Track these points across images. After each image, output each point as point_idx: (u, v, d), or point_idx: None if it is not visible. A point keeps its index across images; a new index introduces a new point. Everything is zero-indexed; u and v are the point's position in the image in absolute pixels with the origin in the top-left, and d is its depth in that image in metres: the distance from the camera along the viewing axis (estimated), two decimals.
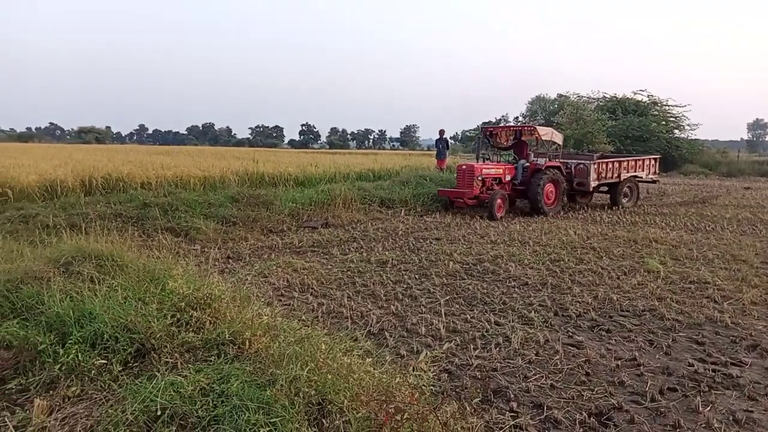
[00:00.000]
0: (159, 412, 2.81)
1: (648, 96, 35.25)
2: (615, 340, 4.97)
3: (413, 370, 3.63)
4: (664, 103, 34.70)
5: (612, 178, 14.91)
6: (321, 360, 3.30)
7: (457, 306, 5.91)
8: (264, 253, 8.49)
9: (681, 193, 20.09)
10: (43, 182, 10.14)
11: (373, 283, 6.76)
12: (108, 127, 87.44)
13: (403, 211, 13.01)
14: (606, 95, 37.15)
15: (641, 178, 15.91)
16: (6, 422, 2.98)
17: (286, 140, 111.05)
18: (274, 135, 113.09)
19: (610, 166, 14.87)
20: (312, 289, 6.52)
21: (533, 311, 5.70)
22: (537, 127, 14.34)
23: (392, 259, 8.08)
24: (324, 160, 20.27)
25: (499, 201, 12.85)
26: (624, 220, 12.57)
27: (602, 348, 4.75)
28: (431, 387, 3.66)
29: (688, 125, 34.25)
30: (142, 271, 4.73)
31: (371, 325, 5.21)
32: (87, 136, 70.92)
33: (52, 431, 2.89)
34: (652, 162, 16.28)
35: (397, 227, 11.08)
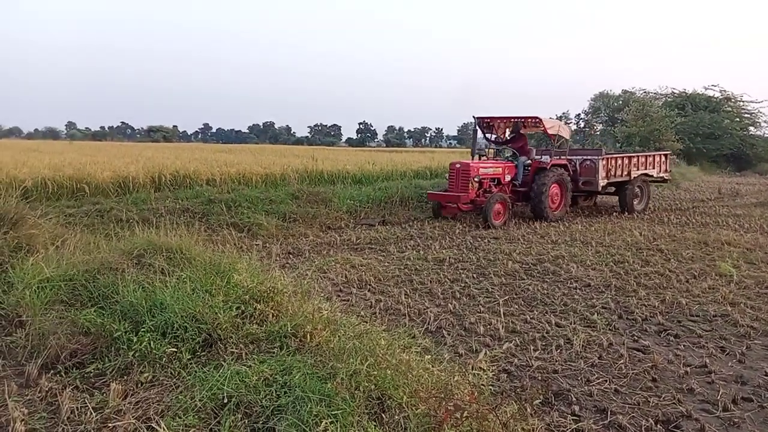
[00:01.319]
0: (225, 400, 2.91)
1: (720, 91, 33.59)
2: (684, 345, 4.77)
3: (472, 369, 3.61)
4: (739, 99, 32.94)
5: (621, 176, 13.46)
6: (380, 355, 3.34)
7: (517, 306, 5.83)
8: (323, 249, 8.63)
9: (756, 193, 19.01)
10: (116, 178, 10.68)
11: (431, 281, 6.75)
12: (175, 126, 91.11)
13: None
14: (675, 91, 35.66)
15: (652, 176, 14.50)
16: (86, 403, 3.17)
17: (344, 138, 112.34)
18: (332, 133, 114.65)
19: (619, 162, 13.48)
20: (370, 285, 6.57)
21: (596, 313, 5.54)
22: (543, 119, 12.38)
23: (449, 258, 8.04)
24: (381, 158, 20.36)
25: (498, 206, 11.05)
26: (693, 221, 12.01)
27: (670, 353, 4.57)
28: (490, 386, 3.63)
29: (765, 122, 32.37)
30: (209, 264, 4.90)
31: (429, 323, 5.21)
32: (155, 134, 74.11)
33: (127, 414, 3.04)
34: (663, 159, 14.98)
35: (455, 225, 11.01)
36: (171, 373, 3.42)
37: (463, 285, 6.63)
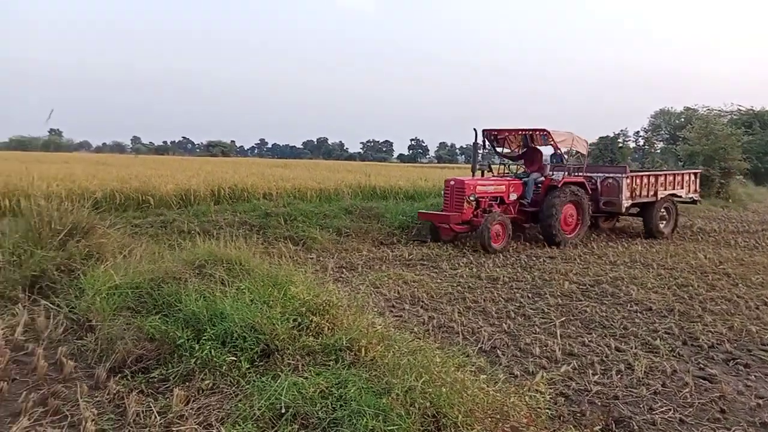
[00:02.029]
0: (283, 410, 2.97)
1: None
2: (755, 376, 4.52)
3: (529, 391, 3.55)
4: None
5: (647, 196, 12.24)
6: (435, 373, 3.32)
7: (574, 328, 5.68)
8: (375, 264, 8.67)
9: None
10: (178, 191, 11.12)
11: (484, 300, 6.67)
12: (232, 141, 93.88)
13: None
14: (741, 108, 34.16)
15: (680, 197, 13.26)
16: (151, 407, 3.30)
17: (395, 154, 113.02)
18: (384, 149, 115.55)
19: (645, 181, 12.27)
20: (422, 302, 6.56)
21: (658, 339, 5.33)
22: (551, 132, 11.01)
23: (503, 276, 7.93)
24: (433, 174, 20.37)
25: (496, 227, 9.91)
26: (763, 244, 11.41)
27: (740, 384, 4.34)
28: (547, 410, 3.55)
29: None
30: (266, 276, 5.01)
31: (482, 342, 5.14)
32: (214, 149, 76.66)
33: (189, 419, 3.14)
34: (693, 178, 13.70)
35: (517, 242, 10.84)
36: (231, 382, 3.51)
37: (517, 305, 6.52)
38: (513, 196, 10.91)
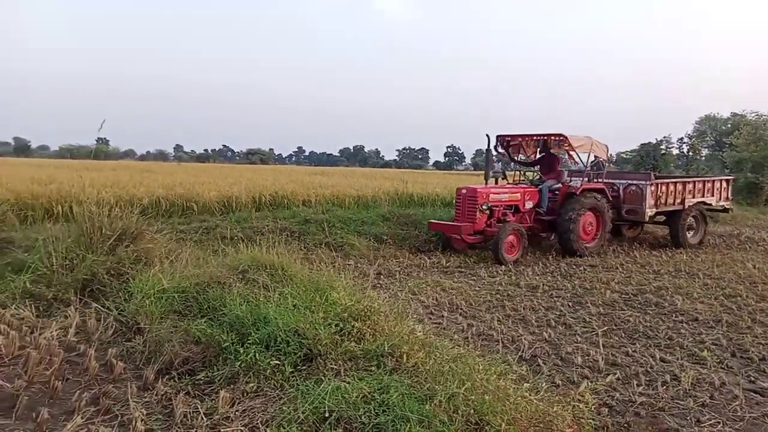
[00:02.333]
0: (327, 414, 3.01)
1: None
2: None
3: (572, 401, 3.50)
4: None
5: (673, 204, 11.63)
6: (477, 380, 3.32)
7: (617, 338, 5.57)
8: (413, 271, 8.69)
9: None
10: (221, 198, 11.38)
11: (524, 308, 6.61)
12: (271, 149, 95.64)
13: (553, 235, 12.54)
14: None
15: (710, 205, 12.48)
16: (198, 408, 3.39)
17: (431, 162, 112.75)
18: (420, 156, 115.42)
19: (671, 188, 11.63)
20: (461, 309, 6.53)
21: (705, 350, 5.17)
22: (569, 137, 10.38)
23: (543, 285, 7.83)
24: (470, 181, 20.24)
25: (510, 238, 9.52)
26: None
27: None
28: (591, 420, 3.51)
29: None
30: (308, 281, 5.10)
31: (523, 351, 5.09)
32: (253, 157, 78.11)
33: (235, 421, 3.22)
34: (725, 185, 12.89)
35: (547, 251, 10.71)
36: (274, 385, 3.57)
37: (558, 313, 6.43)
38: (528, 205, 10.45)
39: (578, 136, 10.69)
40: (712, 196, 12.49)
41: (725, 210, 13.27)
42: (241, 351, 3.86)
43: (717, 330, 5.82)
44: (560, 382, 4.33)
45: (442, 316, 6.20)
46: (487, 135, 10.77)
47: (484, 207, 9.74)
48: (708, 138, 43.63)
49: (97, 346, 4.50)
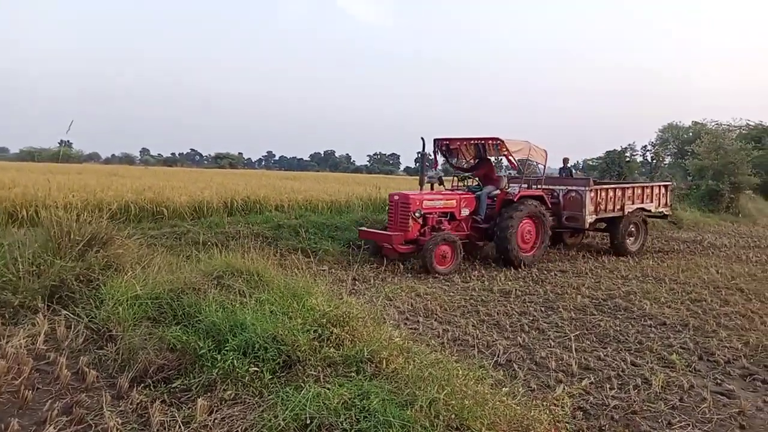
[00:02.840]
0: (308, 421, 2.99)
1: None
2: None
3: (549, 404, 3.56)
4: None
5: (613, 210, 11.49)
6: (457, 385, 3.35)
7: (588, 342, 5.68)
8: (387, 277, 8.70)
9: None
10: (192, 203, 11.22)
11: (497, 313, 6.68)
12: (240, 153, 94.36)
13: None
14: (750, 123, 34.10)
15: (650, 211, 12.45)
16: (175, 417, 3.33)
17: (402, 167, 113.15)
18: (391, 162, 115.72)
19: (611, 194, 11.45)
20: (436, 315, 6.57)
21: (674, 353, 5.32)
22: (505, 141, 9.88)
23: (515, 290, 7.94)
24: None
25: (443, 248, 9.00)
26: None
27: (758, 400, 4.34)
28: (566, 423, 3.57)
29: None
30: (284, 287, 5.06)
31: (498, 356, 5.15)
32: (222, 161, 77.03)
33: (213, 429, 3.18)
34: (663, 191, 12.81)
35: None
36: (253, 392, 3.54)
37: (531, 318, 6.53)
38: (465, 212, 9.97)
39: (516, 141, 10.25)
40: (651, 202, 12.40)
41: (664, 216, 13.18)
42: (218, 358, 3.82)
43: (684, 334, 5.99)
44: (536, 386, 4.39)
45: (418, 321, 6.23)
46: (422, 138, 10.16)
47: (417, 214, 9.26)
48: (671, 146, 44.90)
49: (68, 354, 4.38)
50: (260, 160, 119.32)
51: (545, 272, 9.47)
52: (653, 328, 6.21)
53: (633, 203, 11.89)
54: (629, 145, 45.04)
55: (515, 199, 9.83)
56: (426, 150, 10.47)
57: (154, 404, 3.50)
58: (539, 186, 10.83)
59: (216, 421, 3.28)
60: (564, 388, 4.21)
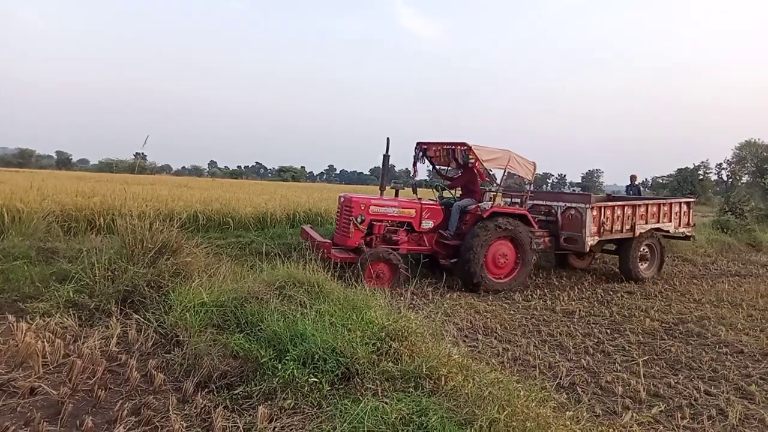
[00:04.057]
0: None
1: None
2: None
3: None
4: None
5: (621, 231, 10.06)
6: (518, 406, 3.26)
7: (658, 368, 5.41)
8: (446, 293, 8.61)
9: None
10: (256, 214, 11.55)
11: (560, 334, 6.48)
12: (302, 167, 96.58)
13: (591, 260, 12.29)
14: None
15: (668, 231, 10.84)
16: (237, 423, 3.40)
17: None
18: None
19: (618, 213, 9.99)
20: (496, 333, 6.44)
21: (753, 384, 4.98)
22: (473, 147, 8.76)
23: (579, 310, 7.68)
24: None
25: (379, 266, 8.08)
26: None
27: None
28: None
29: None
30: (344, 299, 5.10)
31: (561, 378, 4.98)
32: (285, 174, 79.02)
33: None
34: (685, 208, 11.17)
35: (583, 276, 10.52)
36: (312, 402, 3.57)
37: (596, 340, 6.29)
38: (427, 224, 8.88)
39: (489, 148, 9.06)
40: (670, 221, 10.81)
41: (687, 237, 11.53)
42: (279, 367, 3.88)
43: (764, 364, 5.61)
44: (601, 411, 4.22)
45: (477, 339, 6.12)
46: (388, 139, 9.19)
47: (359, 220, 8.35)
48: (748, 164, 42.57)
49: (138, 356, 4.57)
50: (321, 173, 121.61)
51: (611, 293, 9.12)
52: (729, 356, 5.85)
53: (647, 223, 10.44)
54: (702, 162, 42.90)
55: (484, 215, 8.73)
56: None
57: (217, 409, 3.58)
58: (522, 203, 9.72)
59: (276, 429, 3.32)
60: (632, 416, 4.02)
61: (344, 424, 3.09)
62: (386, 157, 9.11)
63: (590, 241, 9.63)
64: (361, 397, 3.46)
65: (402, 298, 7.76)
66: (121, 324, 5.15)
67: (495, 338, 6.22)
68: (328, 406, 3.46)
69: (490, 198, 9.59)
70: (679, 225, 11.02)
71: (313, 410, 3.49)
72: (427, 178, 11.10)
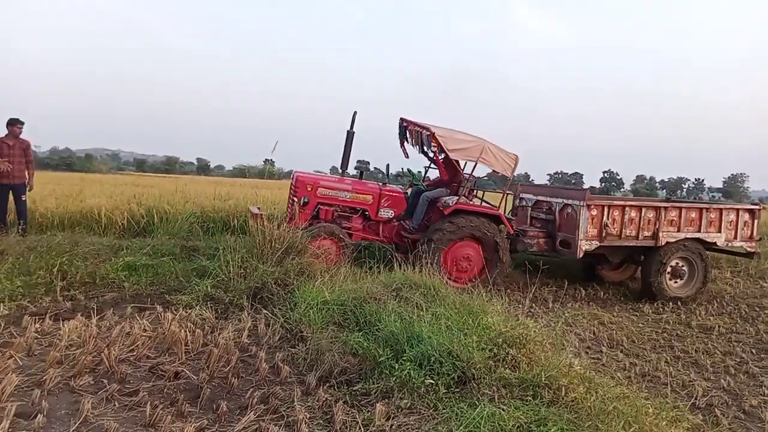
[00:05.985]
0: None
1: None
2: None
3: None
4: None
5: (637, 238, 8.35)
6: (646, 424, 3.07)
7: None
8: (567, 301, 8.27)
9: None
10: None
11: (696, 351, 5.98)
12: (419, 171, 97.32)
13: (729, 271, 11.20)
14: None
15: (714, 244, 8.75)
16: (356, 418, 3.53)
17: (586, 187, 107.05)
18: (573, 182, 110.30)
19: (632, 215, 8.31)
20: (622, 346, 6.09)
21: None
22: (437, 134, 7.81)
23: (719, 326, 7.03)
24: None
25: (323, 243, 7.36)
26: None
27: None
28: None
29: None
30: (460, 303, 5.10)
31: (696, 398, 4.60)
32: (404, 177, 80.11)
33: None
34: (746, 217, 8.86)
35: (723, 289, 9.60)
36: (428, 404, 3.61)
37: (738, 360, 5.73)
38: (386, 213, 8.09)
39: (459, 137, 8.11)
40: (718, 232, 8.72)
41: (747, 255, 9.26)
42: (396, 367, 3.96)
43: None
44: None
45: (601, 351, 5.82)
46: (355, 112, 8.31)
47: (303, 201, 7.69)
48: None
49: (266, 349, 4.88)
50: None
51: (757, 309, 8.23)
52: None
53: (679, 230, 8.54)
54: None
55: (446, 212, 7.83)
56: (355, 129, 8.42)
57: (338, 404, 3.73)
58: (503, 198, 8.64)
59: (393, 427, 3.40)
60: None
61: (460, 428, 3.10)
62: (350, 133, 8.37)
63: (585, 245, 8.22)
64: (477, 402, 3.44)
65: (520, 305, 7.60)
66: (251, 318, 5.53)
67: (621, 351, 5.89)
68: (443, 409, 3.48)
69: (473, 192, 8.54)
70: (735, 237, 8.89)
71: (429, 411, 3.52)
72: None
